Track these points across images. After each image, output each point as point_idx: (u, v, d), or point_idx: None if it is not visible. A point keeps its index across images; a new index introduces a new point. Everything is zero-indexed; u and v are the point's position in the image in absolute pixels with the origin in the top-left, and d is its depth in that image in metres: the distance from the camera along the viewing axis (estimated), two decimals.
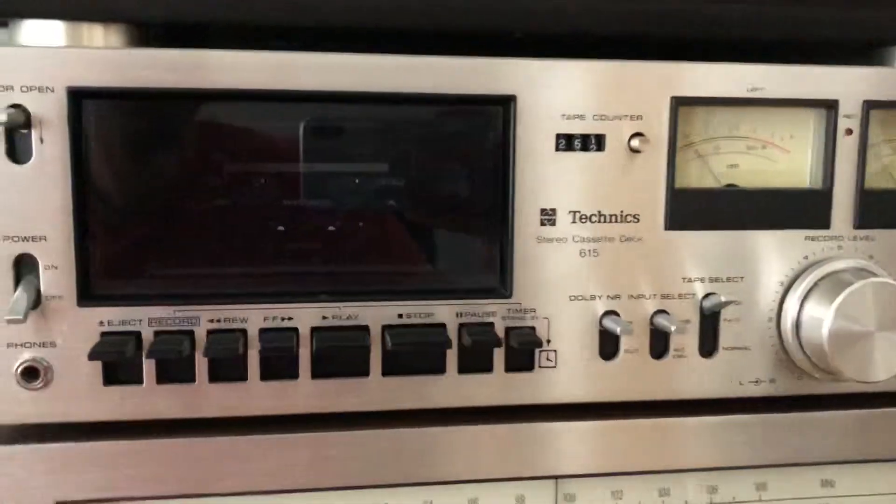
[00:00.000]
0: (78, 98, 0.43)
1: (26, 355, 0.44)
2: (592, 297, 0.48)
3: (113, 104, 0.44)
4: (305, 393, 0.47)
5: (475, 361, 0.48)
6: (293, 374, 0.46)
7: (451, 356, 0.48)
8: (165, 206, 0.52)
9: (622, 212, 0.48)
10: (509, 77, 0.46)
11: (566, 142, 0.47)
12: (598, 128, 0.47)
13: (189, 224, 0.50)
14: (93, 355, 0.42)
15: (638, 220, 0.48)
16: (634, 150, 0.47)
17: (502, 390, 0.48)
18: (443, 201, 0.54)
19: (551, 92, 0.47)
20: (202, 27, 0.51)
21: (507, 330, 0.48)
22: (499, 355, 0.48)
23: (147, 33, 0.49)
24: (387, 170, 0.58)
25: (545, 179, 0.47)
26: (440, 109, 0.48)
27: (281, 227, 0.52)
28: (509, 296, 0.48)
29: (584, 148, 0.47)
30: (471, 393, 0.48)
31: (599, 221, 0.48)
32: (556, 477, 0.51)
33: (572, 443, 0.49)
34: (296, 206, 0.54)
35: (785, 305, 0.50)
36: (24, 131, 0.43)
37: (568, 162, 0.47)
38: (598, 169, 0.47)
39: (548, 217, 0.47)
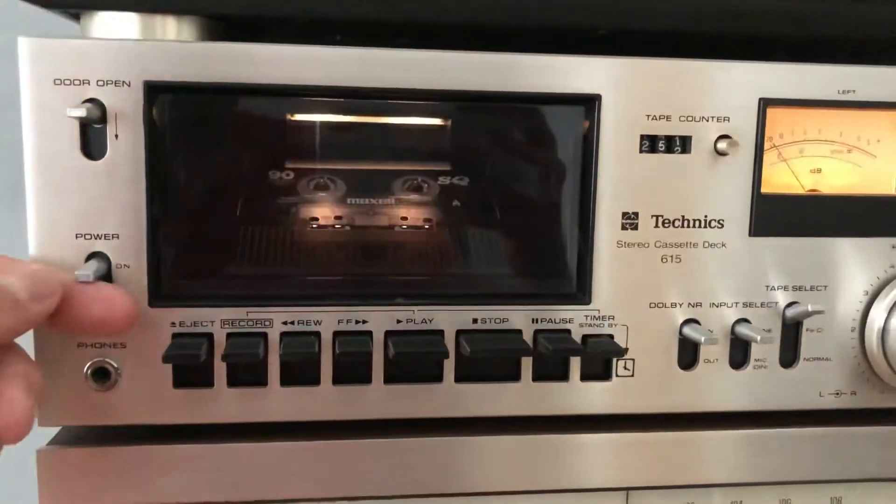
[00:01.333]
0: (154, 92, 0.42)
1: (97, 356, 0.43)
2: (673, 305, 0.47)
3: (190, 99, 0.43)
4: (376, 398, 0.45)
5: (550, 369, 0.47)
6: (365, 379, 0.45)
7: (526, 363, 0.46)
8: (239, 204, 0.51)
9: (706, 216, 0.47)
10: (593, 76, 0.45)
11: (650, 143, 0.46)
12: (684, 129, 0.46)
13: (262, 224, 0.49)
14: (167, 358, 0.41)
15: (722, 226, 0.47)
16: (721, 153, 0.46)
17: (578, 399, 0.47)
18: (521, 203, 0.53)
19: (636, 92, 0.45)
20: (265, 21, 0.50)
21: (585, 337, 0.46)
22: (574, 363, 0.47)
23: (219, 26, 0.48)
24: (464, 170, 0.57)
25: (628, 182, 0.46)
26: (522, 108, 0.46)
27: (354, 228, 0.51)
28: (588, 302, 0.46)
29: (669, 150, 0.46)
30: (546, 401, 0.47)
31: (683, 226, 0.46)
32: (627, 489, 0.49)
33: (648, 453, 0.48)
34: (370, 206, 0.53)
35: (870, 315, 0.49)
36: (99, 126, 0.42)
37: (652, 164, 0.46)
38: (682, 171, 0.46)
39: (630, 221, 0.46)
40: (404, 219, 0.54)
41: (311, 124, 0.57)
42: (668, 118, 0.45)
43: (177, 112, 0.44)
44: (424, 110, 0.50)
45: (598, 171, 0.45)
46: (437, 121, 0.58)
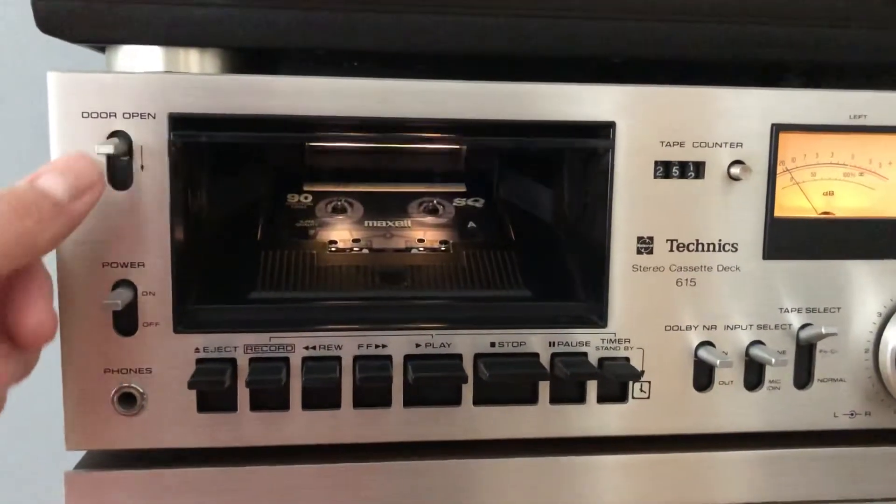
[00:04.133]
0: (179, 125, 0.43)
1: (123, 381, 0.44)
2: (688, 328, 0.47)
3: (214, 130, 0.44)
4: (396, 421, 0.46)
5: (567, 391, 0.47)
6: (385, 402, 0.46)
7: (543, 386, 0.47)
8: (258, 230, 0.52)
9: (720, 240, 0.47)
10: (608, 103, 0.45)
11: (664, 169, 0.46)
12: (698, 155, 0.46)
13: (280, 249, 0.50)
14: (193, 384, 0.42)
15: (736, 250, 0.47)
16: (734, 178, 0.46)
17: (594, 421, 0.48)
18: (537, 228, 0.54)
19: (650, 118, 0.46)
20: (278, 52, 0.51)
21: (601, 360, 0.47)
22: (591, 386, 0.47)
23: (239, 57, 0.49)
24: (480, 196, 0.58)
25: (643, 207, 0.46)
26: (537, 136, 0.47)
27: (372, 251, 0.51)
28: (604, 325, 0.47)
29: (683, 175, 0.46)
30: (562, 424, 0.47)
31: (697, 250, 0.47)
32: None
33: (663, 474, 0.48)
34: (389, 229, 0.54)
35: (884, 336, 0.49)
36: (125, 158, 0.43)
37: (666, 189, 0.46)
38: (696, 196, 0.47)
39: (645, 245, 0.47)
40: (421, 241, 0.55)
41: (329, 149, 0.58)
42: (681, 144, 0.46)
43: (201, 144, 0.45)
44: (442, 137, 0.51)
45: (613, 197, 0.46)
46: (452, 145, 0.59)
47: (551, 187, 0.55)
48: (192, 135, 0.43)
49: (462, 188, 0.60)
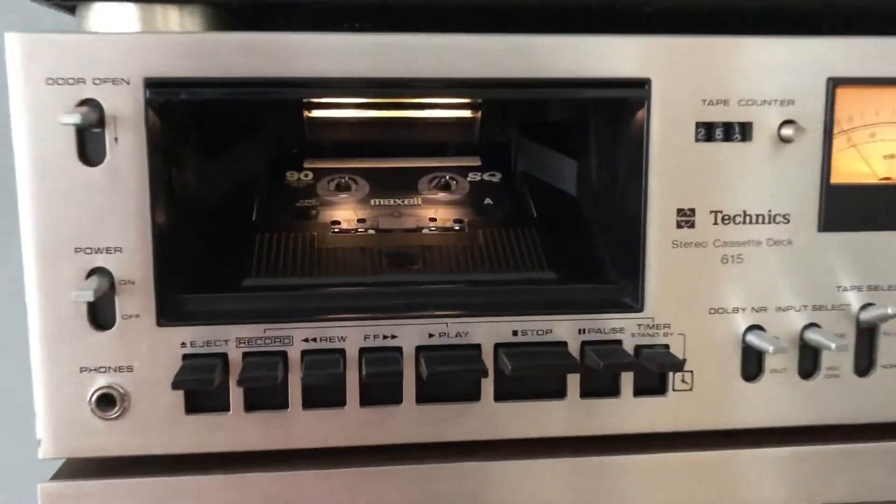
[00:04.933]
0: (157, 90, 0.38)
1: (101, 381, 0.39)
2: (735, 310, 0.42)
3: (197, 96, 0.39)
4: (408, 420, 0.41)
5: (599, 384, 0.42)
6: (395, 399, 0.41)
7: (572, 378, 0.42)
8: (248, 209, 0.47)
9: (770, 211, 0.42)
10: (641, 58, 0.40)
11: (706, 131, 0.41)
12: (744, 114, 0.41)
13: (278, 231, 0.45)
14: (178, 384, 0.37)
15: (788, 221, 0.42)
16: (785, 140, 0.41)
17: (630, 416, 0.43)
18: (561, 203, 0.48)
19: (690, 74, 0.40)
20: (276, 8, 0.45)
21: (638, 349, 0.42)
22: (626, 377, 0.42)
23: (224, 17, 0.43)
24: (497, 170, 0.52)
25: (683, 175, 0.41)
26: (563, 96, 0.42)
27: (379, 232, 0.47)
28: (640, 309, 0.42)
29: (727, 138, 0.41)
30: (594, 420, 0.42)
31: (744, 223, 0.42)
32: None
33: (708, 474, 0.43)
34: (397, 207, 0.49)
35: None
36: (97, 130, 0.38)
37: (709, 154, 0.41)
38: (743, 162, 0.41)
39: (686, 218, 0.41)
40: (433, 220, 0.50)
41: (331, 120, 0.53)
42: (725, 103, 0.41)
43: (183, 111, 0.40)
44: (452, 101, 0.46)
45: (648, 165, 0.41)
46: (465, 112, 0.53)
47: (576, 158, 0.50)
48: (168, 92, 0.38)
49: (477, 162, 0.55)
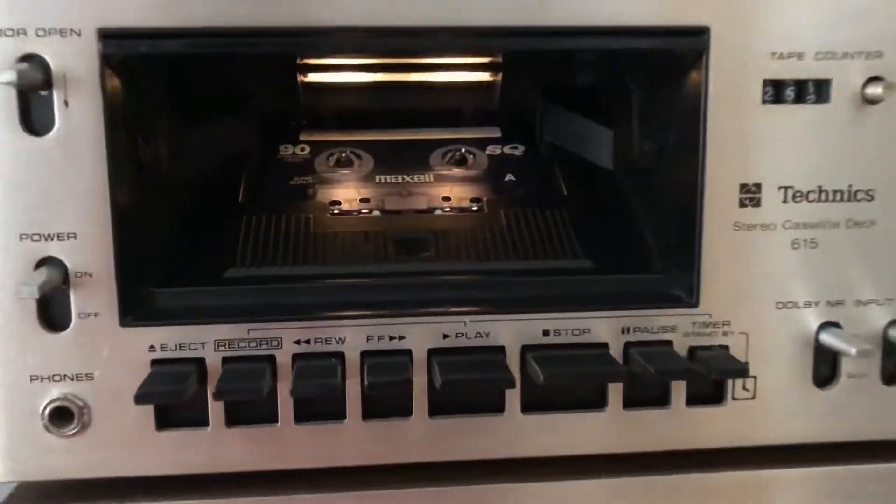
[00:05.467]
0: (114, 43, 0.31)
1: (56, 392, 0.33)
2: (807, 305, 0.36)
3: (160, 49, 0.32)
4: (418, 435, 0.35)
5: (645, 391, 0.36)
6: (404, 411, 0.35)
7: (614, 386, 0.35)
8: (233, 188, 0.40)
9: (850, 186, 0.35)
10: (699, 2, 0.33)
11: (775, 90, 0.35)
12: (821, 70, 0.34)
13: (268, 213, 0.39)
14: (142, 397, 0.31)
15: (871, 198, 0.35)
16: (870, 101, 0.35)
17: (682, 430, 0.36)
18: (596, 178, 0.42)
19: (756, 22, 0.34)
20: None
21: (692, 350, 0.35)
22: (677, 383, 0.36)
23: None
24: (519, 141, 0.46)
25: (747, 143, 0.35)
26: (602, 46, 0.35)
27: (385, 214, 0.40)
28: (695, 304, 0.35)
29: (800, 99, 0.35)
30: (640, 434, 0.36)
31: (819, 200, 0.35)
32: None
33: (778, 496, 0.37)
34: (406, 185, 0.42)
35: None
36: (44, 92, 0.32)
37: (778, 118, 0.35)
38: (819, 127, 0.35)
39: (750, 195, 0.35)
40: (447, 199, 0.43)
41: (330, 85, 0.46)
42: (799, 56, 0.34)
43: (147, 69, 0.33)
44: (468, 60, 0.39)
45: (707, 131, 0.34)
46: (483, 74, 0.47)
47: (612, 126, 0.43)
48: (128, 45, 0.31)
49: (496, 132, 0.48)
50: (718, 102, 0.34)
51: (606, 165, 0.44)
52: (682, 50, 0.34)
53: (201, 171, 0.41)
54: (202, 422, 0.34)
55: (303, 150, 0.47)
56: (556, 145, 0.46)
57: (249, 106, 0.45)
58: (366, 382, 0.32)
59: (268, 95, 0.46)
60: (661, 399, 0.36)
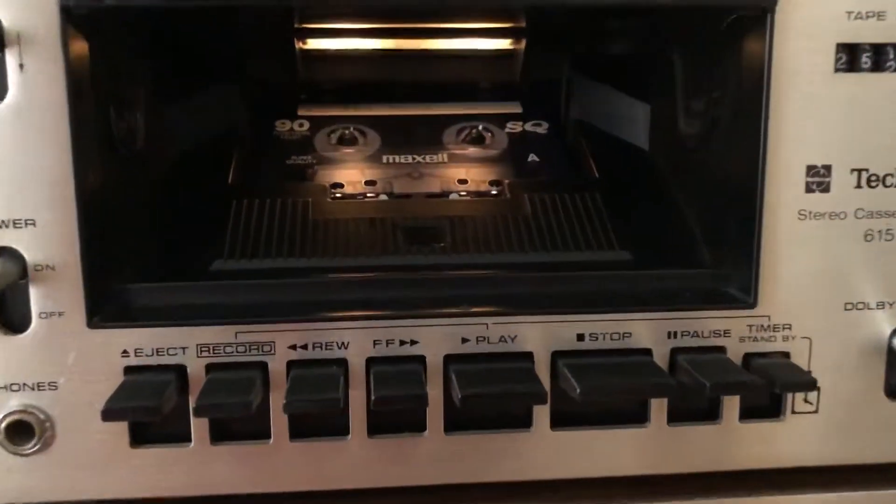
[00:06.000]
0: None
1: (14, 403, 0.29)
2: (880, 305, 0.31)
3: (134, 4, 0.27)
4: (433, 454, 0.31)
5: (691, 404, 0.31)
6: (416, 426, 0.30)
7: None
8: (222, 168, 0.36)
9: None
10: None
11: (850, 56, 0.30)
12: None
13: (261, 197, 0.34)
14: (110, 413, 0.26)
15: None
16: None
17: (733, 448, 0.32)
18: (631, 159, 0.37)
19: None
20: None
21: (747, 358, 0.31)
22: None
23: None
24: (543, 118, 0.41)
25: (816, 119, 0.30)
26: (648, 4, 0.30)
27: (394, 198, 0.35)
28: (753, 304, 0.30)
29: (879, 66, 0.30)
30: (686, 452, 0.31)
31: None
32: None
33: None
34: (417, 166, 0.37)
35: None
36: None
37: (853, 89, 0.30)
38: None
39: (818, 179, 0.30)
40: (462, 182, 0.39)
41: (331, 53, 0.41)
42: (879, 16, 0.29)
43: (120, 29, 0.29)
44: (487, 24, 0.34)
45: (769, 105, 0.29)
46: (504, 42, 0.42)
47: (649, 100, 0.39)
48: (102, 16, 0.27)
49: (517, 108, 0.43)
50: (783, 71, 0.29)
51: (642, 145, 0.39)
52: (744, 8, 0.29)
53: (185, 149, 0.37)
54: (184, 437, 0.30)
55: (301, 126, 0.42)
56: (585, 122, 0.42)
57: (241, 75, 0.40)
58: (372, 397, 0.27)
59: (262, 64, 0.41)
60: (710, 413, 0.31)
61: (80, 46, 0.28)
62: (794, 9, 0.29)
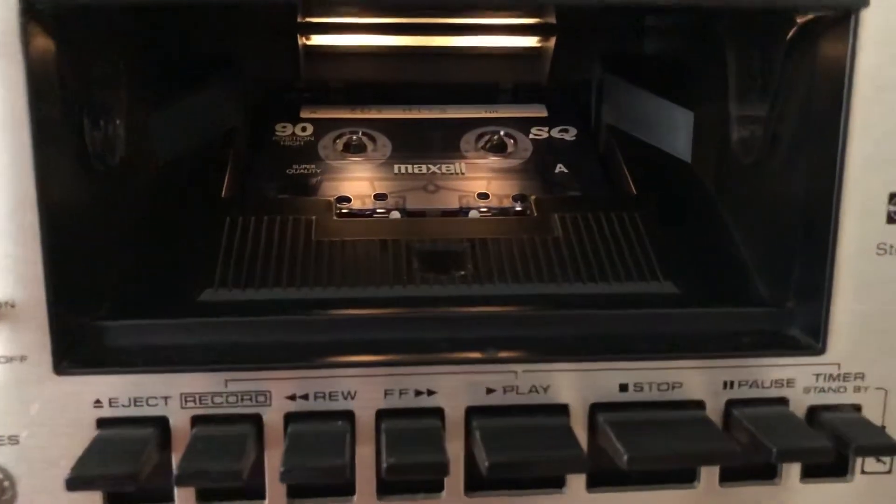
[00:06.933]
0: None
1: None
2: None
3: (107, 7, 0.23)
4: None
5: (747, 461, 0.27)
6: (433, 486, 0.26)
7: None
8: (215, 180, 0.32)
9: None
10: None
11: None
12: None
13: (258, 214, 0.30)
14: (76, 482, 0.22)
15: None
16: None
17: None
18: (673, 174, 0.33)
19: None
20: None
21: (812, 411, 0.27)
22: None
23: None
24: (571, 123, 0.37)
25: None
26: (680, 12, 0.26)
27: (407, 216, 0.31)
28: (821, 350, 0.26)
29: None
30: None
31: None
32: None
33: None
34: (432, 178, 0.33)
35: None
36: None
37: None
38: None
39: None
40: (483, 197, 0.35)
41: (338, 50, 0.37)
42: None
43: (94, 25, 0.24)
44: (511, 18, 0.30)
45: (849, 119, 0.25)
46: (530, 39, 0.38)
47: (692, 106, 0.34)
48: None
49: (542, 111, 0.39)
50: (866, 81, 0.25)
51: (683, 156, 0.35)
52: (825, 8, 0.25)
53: (172, 160, 0.32)
54: (165, 497, 0.26)
55: (304, 130, 0.38)
56: (617, 128, 0.37)
57: (237, 75, 0.36)
58: (384, 464, 0.23)
59: (261, 62, 0.37)
60: (767, 471, 0.28)
61: (43, 44, 0.24)
62: (885, 11, 0.24)
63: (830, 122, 0.25)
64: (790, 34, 0.27)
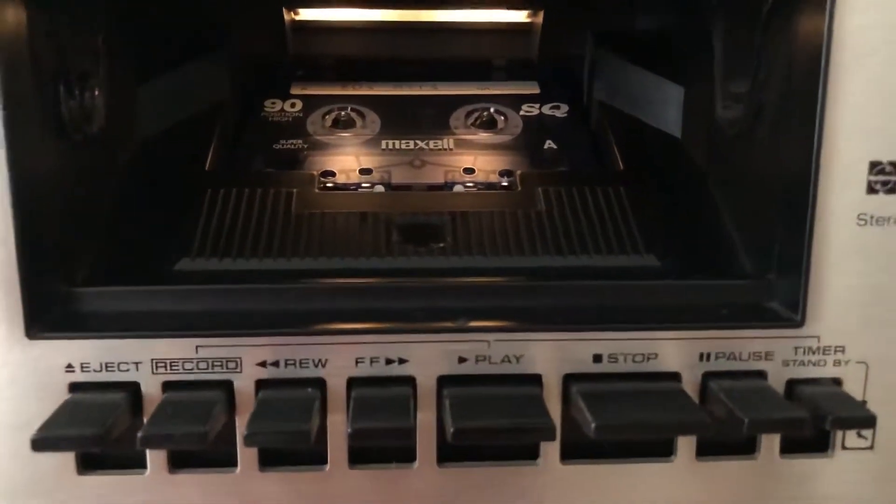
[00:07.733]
0: None
1: None
2: None
3: None
4: (425, 489, 0.27)
5: (724, 435, 0.27)
6: (406, 457, 0.26)
7: None
8: (194, 153, 0.32)
9: None
10: None
11: None
12: None
13: (240, 186, 0.30)
14: (42, 443, 0.23)
15: None
16: None
17: (774, 488, 0.27)
18: (661, 149, 0.33)
19: None
20: None
21: (791, 385, 0.26)
22: None
23: None
24: (562, 100, 0.37)
25: (882, 107, 0.25)
26: None
27: (392, 190, 0.31)
28: (800, 323, 0.26)
29: None
30: (719, 489, 0.27)
31: None
32: None
33: None
34: (419, 153, 0.33)
35: None
36: None
37: None
38: None
39: (883, 178, 0.25)
40: (469, 172, 0.35)
41: (326, 25, 0.37)
42: None
43: None
44: None
45: (827, 89, 0.25)
46: (519, 14, 0.37)
47: (683, 82, 0.34)
48: None
49: (534, 88, 0.39)
50: (845, 51, 0.24)
51: (673, 132, 0.35)
52: None
53: (158, 132, 0.33)
54: (138, 464, 0.26)
55: (293, 106, 0.38)
56: (609, 105, 0.37)
57: (226, 48, 0.36)
58: (349, 430, 0.23)
59: (249, 36, 0.37)
60: (746, 446, 0.27)
61: (15, 14, 0.24)
62: None
63: (809, 92, 0.25)
64: (769, 5, 0.27)
